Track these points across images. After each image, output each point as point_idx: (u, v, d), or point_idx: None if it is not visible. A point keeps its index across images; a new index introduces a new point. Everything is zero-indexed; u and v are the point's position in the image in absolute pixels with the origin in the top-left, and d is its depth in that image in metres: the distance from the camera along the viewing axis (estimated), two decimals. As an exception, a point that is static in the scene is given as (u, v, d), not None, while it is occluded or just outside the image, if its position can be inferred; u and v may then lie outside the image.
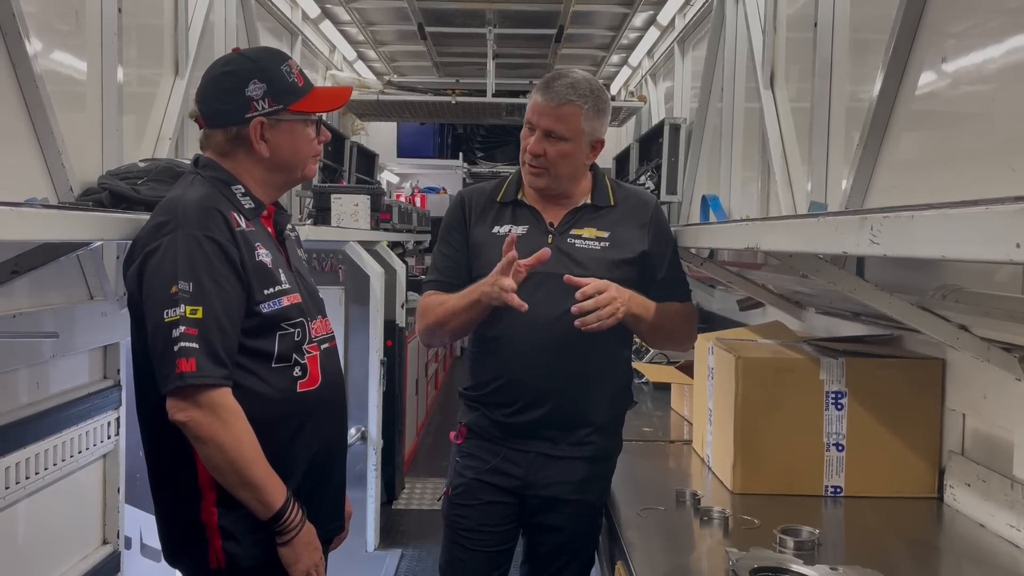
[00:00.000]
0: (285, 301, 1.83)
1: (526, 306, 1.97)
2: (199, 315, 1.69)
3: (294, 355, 1.84)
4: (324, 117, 1.98)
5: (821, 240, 1.42)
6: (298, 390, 1.85)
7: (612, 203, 2.24)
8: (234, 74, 1.85)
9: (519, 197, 2.26)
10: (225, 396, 1.71)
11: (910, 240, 1.06)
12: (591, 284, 2.00)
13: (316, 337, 1.90)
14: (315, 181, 5.28)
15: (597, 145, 2.21)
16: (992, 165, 1.89)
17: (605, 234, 2.19)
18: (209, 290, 1.71)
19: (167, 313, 1.69)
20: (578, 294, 1.99)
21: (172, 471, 1.82)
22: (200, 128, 1.91)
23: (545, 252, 2.04)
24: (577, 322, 1.97)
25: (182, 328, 1.67)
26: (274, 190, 1.95)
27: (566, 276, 2.03)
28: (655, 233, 2.23)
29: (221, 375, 1.70)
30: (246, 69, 1.85)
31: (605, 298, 1.98)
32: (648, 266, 2.21)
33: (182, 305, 1.68)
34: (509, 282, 1.99)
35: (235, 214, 1.81)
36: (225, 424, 1.69)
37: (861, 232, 1.17)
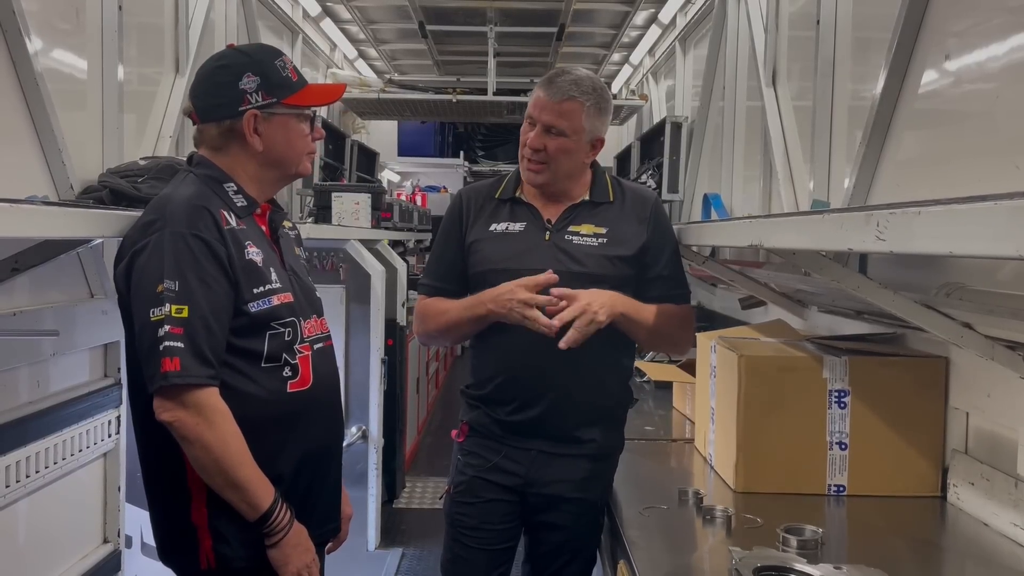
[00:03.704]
0: (275, 300, 1.82)
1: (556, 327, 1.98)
2: (184, 314, 1.67)
3: (284, 355, 1.82)
4: (324, 113, 1.98)
5: (826, 237, 1.41)
6: (288, 390, 1.83)
7: (611, 199, 2.23)
8: (228, 68, 1.86)
9: (517, 194, 2.25)
10: (211, 396, 1.70)
11: (917, 236, 1.05)
12: (558, 294, 2.01)
13: (308, 337, 1.88)
14: (316, 179, 5.28)
15: (597, 144, 2.20)
16: (996, 163, 1.88)
17: (603, 230, 2.18)
18: (195, 289, 1.69)
19: (153, 312, 1.67)
20: (548, 310, 2.00)
21: (163, 470, 1.82)
22: (194, 124, 1.91)
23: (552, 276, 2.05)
24: (561, 343, 1.97)
25: (167, 327, 1.66)
26: (268, 186, 1.93)
27: (552, 290, 2.03)
28: (655, 228, 2.22)
29: (207, 375, 1.69)
30: (240, 63, 1.85)
31: (575, 310, 1.98)
32: (645, 262, 2.20)
33: (167, 304, 1.67)
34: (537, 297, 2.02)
35: (225, 212, 1.80)
36: (211, 424, 1.68)
37: (867, 228, 1.16)
